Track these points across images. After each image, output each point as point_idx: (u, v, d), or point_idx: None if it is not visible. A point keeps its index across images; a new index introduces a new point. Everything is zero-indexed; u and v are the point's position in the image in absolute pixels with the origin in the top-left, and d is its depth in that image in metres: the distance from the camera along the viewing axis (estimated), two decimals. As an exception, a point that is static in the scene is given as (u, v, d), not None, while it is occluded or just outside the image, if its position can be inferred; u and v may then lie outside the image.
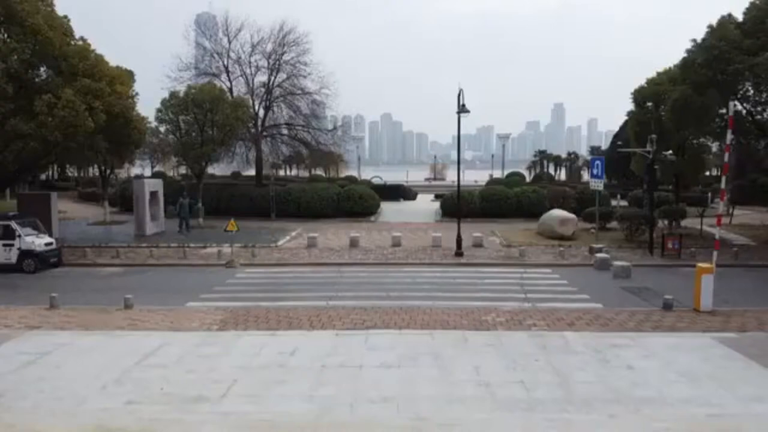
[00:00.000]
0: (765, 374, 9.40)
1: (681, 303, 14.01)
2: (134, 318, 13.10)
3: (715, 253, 14.11)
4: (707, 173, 52.31)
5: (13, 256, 19.93)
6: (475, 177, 77.35)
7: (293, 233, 27.92)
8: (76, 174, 75.48)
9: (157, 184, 29.67)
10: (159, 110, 29.91)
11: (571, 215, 25.90)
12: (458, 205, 24.49)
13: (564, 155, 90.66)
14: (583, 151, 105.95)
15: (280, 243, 25.20)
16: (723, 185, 13.82)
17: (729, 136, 13.64)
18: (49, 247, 20.56)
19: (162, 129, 32.27)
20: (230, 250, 21.77)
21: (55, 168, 65.92)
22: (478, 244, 23.64)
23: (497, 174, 69.55)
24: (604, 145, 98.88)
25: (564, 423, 7.46)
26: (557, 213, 26.06)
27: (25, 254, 19.90)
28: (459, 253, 21.52)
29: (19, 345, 11.06)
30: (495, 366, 9.61)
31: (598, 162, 22.70)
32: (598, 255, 19.69)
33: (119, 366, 9.68)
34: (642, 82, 28.32)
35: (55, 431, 7.15)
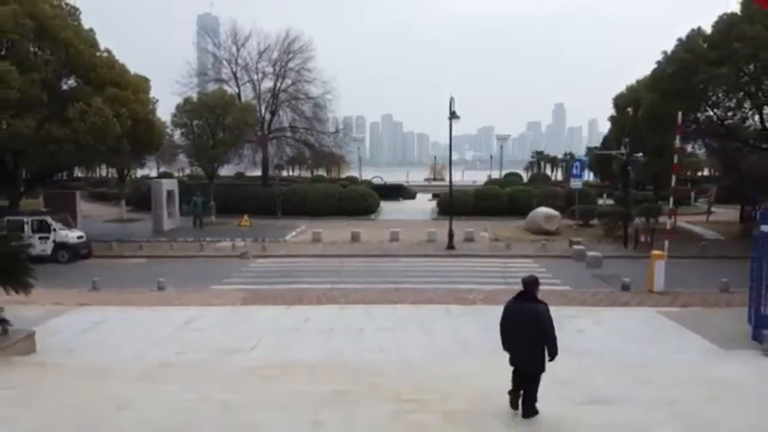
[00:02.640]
0: (691, 336, 11.56)
1: (639, 286, 16.16)
2: (168, 297, 15.30)
3: (666, 242, 16.28)
4: (699, 173, 54.48)
5: (48, 248, 22.14)
6: (474, 177, 79.52)
7: (299, 229, 30.13)
8: (83, 174, 77.73)
9: (173, 184, 31.98)
10: (174, 115, 32.21)
11: (556, 212, 28.09)
12: (451, 203, 26.65)
13: (561, 156, 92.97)
14: (582, 152, 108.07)
15: (287, 238, 27.44)
16: (673, 183, 15.98)
17: (677, 141, 15.77)
18: (80, 240, 22.79)
19: (177, 132, 34.50)
20: (243, 243, 24.03)
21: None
22: (469, 239, 25.84)
23: (495, 174, 71.67)
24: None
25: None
26: (543, 210, 28.27)
27: (60, 246, 22.12)
28: (451, 246, 23.73)
29: (75, 317, 13.24)
30: (470, 329, 11.80)
31: (577, 163, 25.01)
32: (575, 247, 21.87)
33: (163, 331, 11.84)
34: (623, 88, 30.55)
35: (129, 368, 9.30)
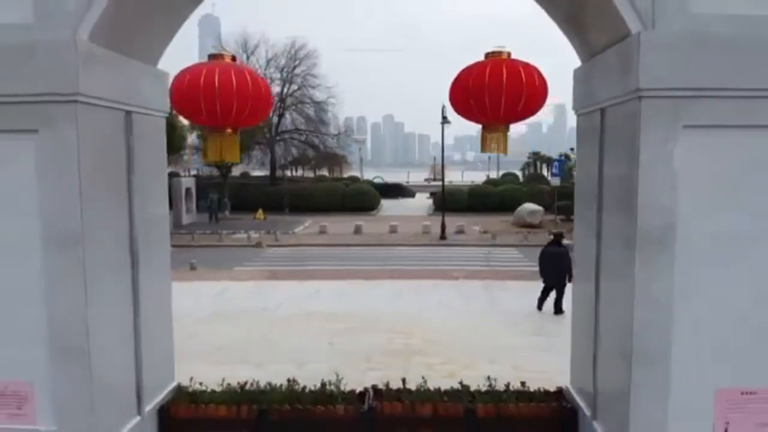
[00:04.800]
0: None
1: (601, 267, 18.89)
2: (200, 275, 18.09)
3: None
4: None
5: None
6: (473, 177, 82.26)
7: (306, 223, 32.97)
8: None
9: (190, 182, 34.82)
10: (192, 119, 34.99)
11: (539, 207, 30.90)
12: (443, 199, 29.50)
13: (556, 156, 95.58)
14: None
15: (296, 230, 30.27)
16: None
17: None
18: (113, 232, 25.62)
19: (193, 134, 37.31)
20: (258, 235, 26.81)
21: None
22: (460, 231, 28.63)
23: (493, 174, 74.34)
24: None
25: (489, 320, 12.40)
26: (528, 206, 31.07)
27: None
28: (443, 237, 26.54)
29: (127, 289, 16.02)
30: (453, 297, 14.54)
31: (556, 163, 27.73)
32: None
33: (203, 298, 14.57)
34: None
35: (185, 318, 12.06)
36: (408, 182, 73.04)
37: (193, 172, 66.60)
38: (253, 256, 22.65)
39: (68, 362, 3.87)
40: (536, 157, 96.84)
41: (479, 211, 38.25)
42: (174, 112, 4.40)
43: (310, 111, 47.17)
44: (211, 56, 3.72)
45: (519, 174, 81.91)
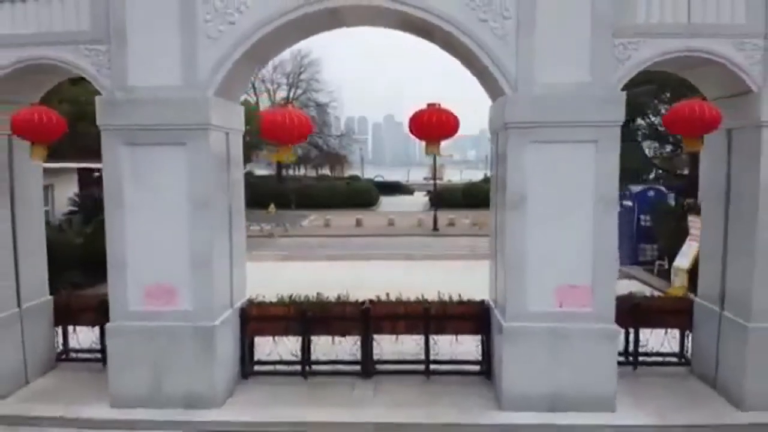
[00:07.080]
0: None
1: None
2: (225, 258, 21.28)
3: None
4: (678, 172, 59.95)
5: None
6: (471, 176, 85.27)
7: (311, 217, 36.16)
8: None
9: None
10: (207, 122, 38.20)
11: (524, 203, 34.02)
12: (436, 195, 32.71)
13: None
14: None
15: (303, 223, 33.45)
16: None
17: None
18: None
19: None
20: (269, 227, 29.99)
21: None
22: (451, 224, 31.82)
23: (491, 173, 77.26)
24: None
25: (462, 283, 15.54)
26: (513, 201, 34.24)
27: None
28: (435, 229, 29.70)
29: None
30: (438, 273, 17.67)
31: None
32: (532, 228, 27.83)
33: (231, 274, 17.80)
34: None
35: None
36: (408, 180, 76.18)
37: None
38: (267, 245, 25.83)
39: (200, 272, 7.05)
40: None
41: (473, 206, 41.31)
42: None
43: (314, 113, 50.40)
44: (281, 105, 6.94)
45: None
